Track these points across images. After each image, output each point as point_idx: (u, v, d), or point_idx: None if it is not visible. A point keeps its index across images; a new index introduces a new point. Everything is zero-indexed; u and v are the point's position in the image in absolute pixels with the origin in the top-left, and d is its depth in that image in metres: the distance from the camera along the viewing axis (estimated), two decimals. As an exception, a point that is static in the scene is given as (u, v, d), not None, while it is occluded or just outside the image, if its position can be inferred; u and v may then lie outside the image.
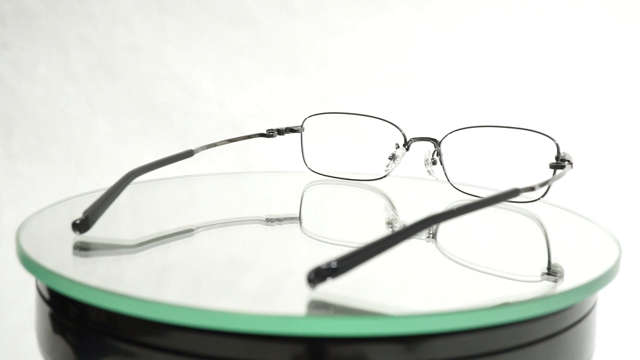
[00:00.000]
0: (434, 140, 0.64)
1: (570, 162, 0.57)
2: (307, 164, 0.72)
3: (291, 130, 0.73)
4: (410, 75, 1.07)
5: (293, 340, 0.40)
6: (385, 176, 0.67)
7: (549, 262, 0.51)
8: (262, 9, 1.10)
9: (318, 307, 0.42)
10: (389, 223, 0.59)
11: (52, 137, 1.12)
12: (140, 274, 0.48)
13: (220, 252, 0.54)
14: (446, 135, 0.63)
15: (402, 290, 0.47)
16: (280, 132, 0.72)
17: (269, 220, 0.60)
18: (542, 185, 0.53)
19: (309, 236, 0.58)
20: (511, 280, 0.49)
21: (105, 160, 1.12)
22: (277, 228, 0.58)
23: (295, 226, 0.60)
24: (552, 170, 0.58)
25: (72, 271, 0.45)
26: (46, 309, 0.47)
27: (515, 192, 0.50)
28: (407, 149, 0.65)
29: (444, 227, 0.57)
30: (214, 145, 0.70)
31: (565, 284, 0.45)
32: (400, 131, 0.66)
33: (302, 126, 0.72)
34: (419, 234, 0.50)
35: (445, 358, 0.41)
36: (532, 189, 0.51)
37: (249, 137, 0.72)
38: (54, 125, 1.12)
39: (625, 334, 0.97)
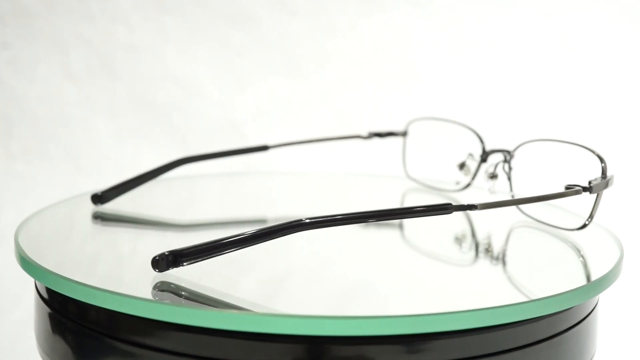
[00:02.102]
0: (506, 152, 0.58)
1: (587, 190, 0.51)
2: (407, 170, 0.67)
3: (393, 134, 0.67)
4: (411, 76, 1.07)
5: (293, 340, 0.40)
6: (465, 187, 0.62)
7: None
8: (262, 9, 1.10)
9: (163, 290, 0.43)
10: (458, 239, 0.57)
11: (52, 137, 1.12)
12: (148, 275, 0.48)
13: (307, 250, 0.53)
14: (518, 147, 0.57)
15: (402, 291, 0.47)
16: (380, 135, 0.67)
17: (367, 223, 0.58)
18: (485, 206, 0.48)
19: (407, 243, 0.57)
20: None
21: (105, 160, 1.12)
22: (372, 231, 0.57)
23: (395, 232, 0.59)
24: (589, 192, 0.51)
25: (71, 271, 0.45)
26: (45, 309, 0.47)
27: (447, 208, 0.46)
28: (485, 160, 0.60)
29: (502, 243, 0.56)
30: (295, 143, 0.66)
31: (566, 286, 0.45)
32: (481, 142, 0.60)
33: (406, 130, 0.67)
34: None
35: (445, 359, 0.41)
36: (474, 207, 0.46)
37: (344, 137, 0.68)
38: (54, 125, 1.12)
39: (627, 334, 0.97)
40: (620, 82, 1.02)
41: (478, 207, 0.47)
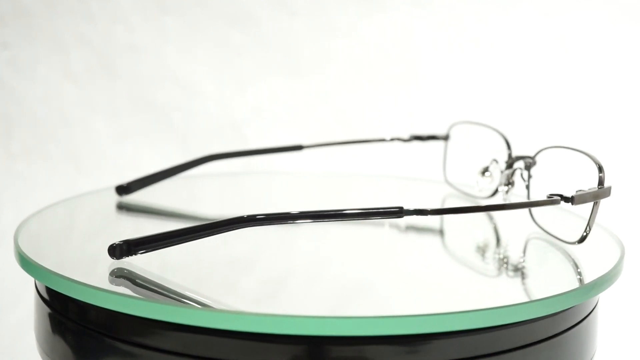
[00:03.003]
0: (528, 159, 0.55)
1: (569, 201, 0.48)
2: (447, 175, 0.64)
3: (434, 137, 0.64)
4: (411, 76, 1.07)
5: (293, 340, 0.39)
6: (493, 194, 0.58)
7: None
8: (262, 9, 1.10)
9: (119, 276, 0.45)
10: (480, 248, 0.55)
11: (52, 137, 1.12)
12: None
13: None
14: (538, 153, 0.54)
15: (402, 291, 0.47)
16: (421, 138, 0.64)
17: (408, 227, 0.57)
18: (436, 212, 0.46)
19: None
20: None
21: (105, 160, 1.12)
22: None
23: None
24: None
25: (71, 271, 0.45)
26: (45, 309, 0.47)
27: (398, 212, 0.45)
28: (510, 167, 0.56)
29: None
30: (330, 144, 0.65)
31: (566, 286, 0.45)
32: (508, 147, 0.57)
33: (447, 134, 0.64)
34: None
35: (446, 359, 0.41)
36: (425, 212, 0.45)
37: (384, 140, 0.65)
38: (54, 125, 1.12)
39: (627, 334, 0.97)
40: (622, 82, 1.02)
41: (429, 212, 0.45)
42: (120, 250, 0.45)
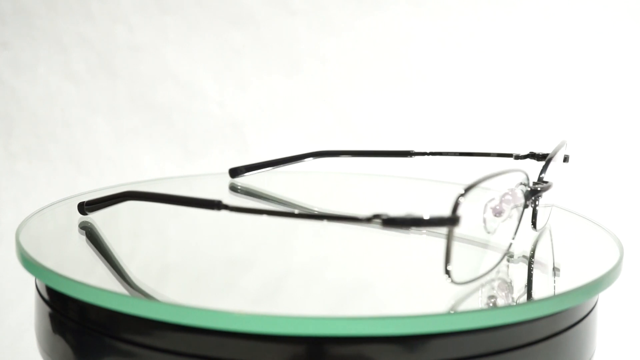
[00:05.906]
0: (544, 183, 0.49)
1: (368, 221, 0.41)
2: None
3: (542, 157, 0.55)
4: (411, 76, 1.07)
5: (293, 340, 0.40)
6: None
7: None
8: (262, 8, 1.10)
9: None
10: (491, 297, 0.47)
11: (52, 137, 1.12)
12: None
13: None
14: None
15: (402, 291, 0.47)
16: (536, 156, 0.56)
17: (520, 257, 0.51)
18: (269, 213, 0.44)
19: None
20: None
21: (105, 160, 1.12)
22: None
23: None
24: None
25: (71, 271, 0.45)
26: (46, 309, 0.47)
27: (217, 205, 0.44)
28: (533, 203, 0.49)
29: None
30: (442, 154, 0.62)
31: (566, 286, 0.45)
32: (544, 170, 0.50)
33: (566, 155, 0.55)
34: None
35: (445, 359, 0.41)
36: (242, 210, 0.44)
37: (489, 154, 0.60)
38: (54, 125, 1.12)
39: (627, 334, 0.97)
40: (621, 81, 1.02)
41: (223, 206, 0.44)
42: (80, 208, 0.54)
